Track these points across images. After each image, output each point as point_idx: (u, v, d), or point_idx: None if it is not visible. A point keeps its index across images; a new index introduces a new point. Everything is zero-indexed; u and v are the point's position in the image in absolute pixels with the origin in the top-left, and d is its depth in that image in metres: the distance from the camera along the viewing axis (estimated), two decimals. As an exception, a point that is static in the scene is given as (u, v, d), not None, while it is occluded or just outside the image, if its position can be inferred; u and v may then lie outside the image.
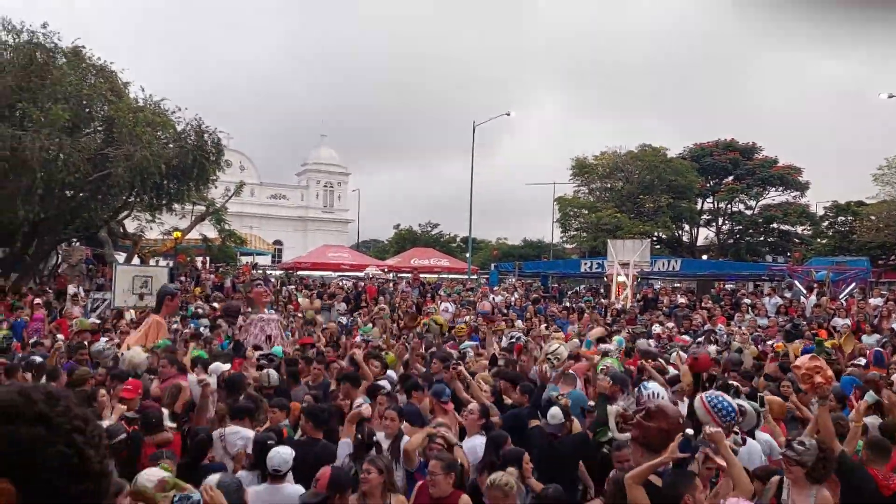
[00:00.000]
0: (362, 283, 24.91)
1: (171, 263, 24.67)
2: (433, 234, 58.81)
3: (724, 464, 4.32)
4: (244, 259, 33.39)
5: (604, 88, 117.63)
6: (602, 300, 23.55)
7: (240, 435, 5.83)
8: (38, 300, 16.15)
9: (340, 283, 26.50)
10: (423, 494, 4.88)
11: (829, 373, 5.75)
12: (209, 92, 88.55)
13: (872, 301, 18.97)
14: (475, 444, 5.99)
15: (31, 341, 11.76)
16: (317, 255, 38.50)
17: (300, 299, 21.16)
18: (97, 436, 1.42)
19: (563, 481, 5.49)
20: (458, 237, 59.20)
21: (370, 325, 14.32)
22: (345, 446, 5.69)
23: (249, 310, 12.56)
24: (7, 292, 18.44)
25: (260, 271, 27.50)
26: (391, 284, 26.37)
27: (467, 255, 39.78)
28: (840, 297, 20.45)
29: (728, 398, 5.64)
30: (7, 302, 16.72)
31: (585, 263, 31.43)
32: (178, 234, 24.84)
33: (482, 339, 12.52)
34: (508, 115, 39.23)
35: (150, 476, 3.91)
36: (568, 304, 22.04)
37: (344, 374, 7.93)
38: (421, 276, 27.90)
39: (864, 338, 13.61)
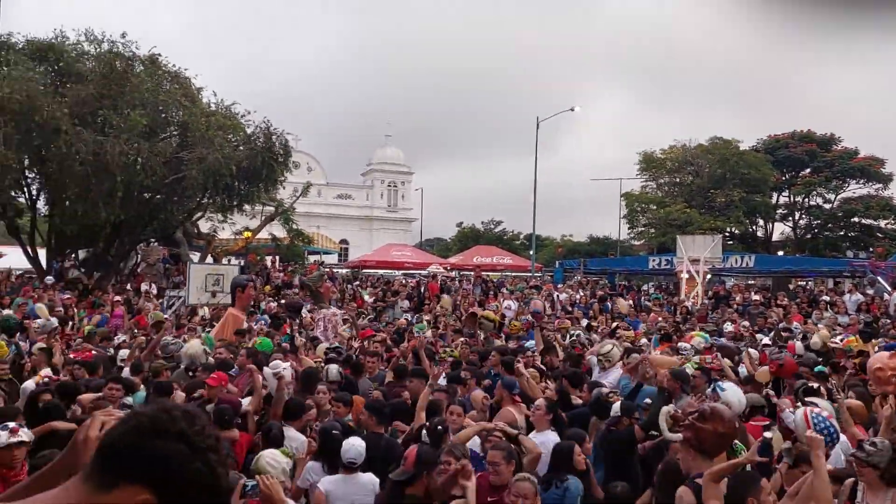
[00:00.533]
0: (425, 281, 25.07)
1: (242, 262, 25.45)
2: (496, 232, 58.63)
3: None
4: (312, 258, 34.13)
5: (670, 81, 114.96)
6: (672, 298, 22.99)
7: (290, 438, 5.80)
8: (117, 298, 16.91)
9: (403, 281, 26.76)
10: (482, 485, 4.87)
11: None
12: (276, 94, 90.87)
13: (964, 299, 17.86)
14: (547, 439, 5.94)
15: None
16: (381, 253, 38.98)
17: (365, 296, 21.48)
18: (226, 455, 1.52)
19: (620, 474, 5.60)
20: (522, 235, 58.86)
21: (423, 323, 14.39)
22: None
23: (316, 306, 12.85)
24: (91, 290, 19.39)
25: (326, 269, 28.04)
26: (455, 282, 26.44)
27: (531, 252, 39.48)
28: (927, 293, 19.32)
29: (832, 420, 5.27)
30: (90, 300, 17.58)
31: (654, 260, 30.68)
32: (249, 233, 25.61)
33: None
34: (573, 110, 38.74)
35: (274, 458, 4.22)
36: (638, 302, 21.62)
37: (413, 369, 8.00)
38: (484, 273, 27.87)
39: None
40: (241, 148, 21.97)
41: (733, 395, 6.53)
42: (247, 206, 24.11)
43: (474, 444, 5.73)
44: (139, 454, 1.39)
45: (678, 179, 44.21)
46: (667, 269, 28.35)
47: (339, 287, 23.03)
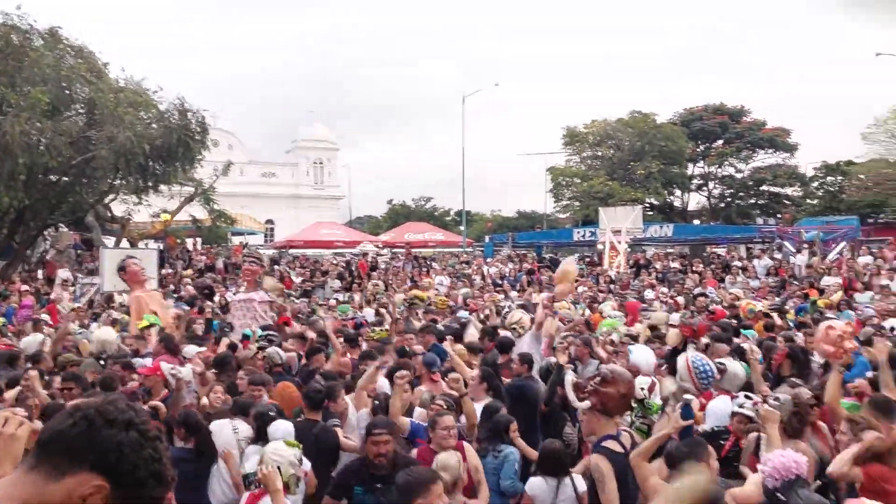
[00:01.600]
0: (356, 260, 24.84)
1: (160, 246, 24.52)
2: (427, 209, 58.65)
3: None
4: (236, 239, 33.21)
5: (594, 56, 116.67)
6: (596, 268, 23.58)
7: (244, 430, 5.58)
8: (25, 287, 16.02)
9: (334, 260, 26.44)
10: (426, 452, 4.98)
11: (855, 344, 5.82)
12: (192, 73, 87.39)
13: (862, 259, 19.04)
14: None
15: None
16: (309, 232, 38.26)
17: (293, 276, 21.11)
18: (166, 446, 1.58)
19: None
20: (452, 211, 59.07)
21: (346, 304, 14.28)
22: (363, 418, 5.87)
23: (241, 289, 12.47)
24: (-4, 280, 18.30)
25: (251, 249, 27.35)
26: (386, 259, 26.30)
27: (461, 228, 39.69)
28: (830, 256, 20.50)
29: (710, 363, 5.78)
30: (-5, 290, 16.58)
31: (578, 232, 31.45)
32: (167, 216, 24.64)
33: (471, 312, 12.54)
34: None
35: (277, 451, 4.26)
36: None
37: (364, 352, 7.86)
38: (415, 250, 27.85)
39: (857, 296, 13.67)
40: (155, 126, 21.00)
41: (641, 356, 6.86)
42: (163, 187, 23.13)
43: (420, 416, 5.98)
44: (91, 443, 1.44)
45: (600, 153, 45.23)
46: (591, 240, 29.08)
47: (263, 268, 22.50)
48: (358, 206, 76.64)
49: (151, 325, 8.79)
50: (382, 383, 6.77)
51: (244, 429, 5.48)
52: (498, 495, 5.18)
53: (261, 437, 5.10)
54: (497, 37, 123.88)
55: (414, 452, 5.15)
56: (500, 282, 19.64)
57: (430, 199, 60.42)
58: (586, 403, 4.55)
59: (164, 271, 20.24)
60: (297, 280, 21.21)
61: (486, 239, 34.30)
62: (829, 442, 5.19)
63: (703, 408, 5.79)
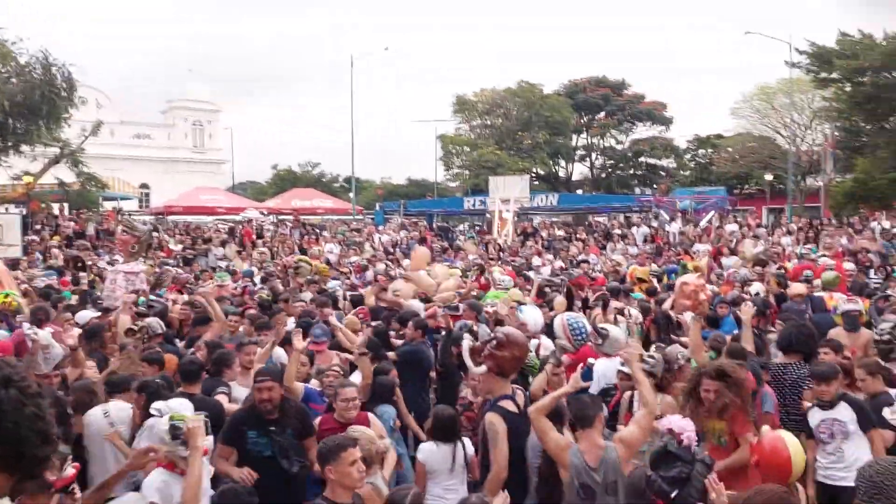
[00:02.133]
0: (241, 227, 23.97)
1: (23, 211, 22.61)
2: (314, 175, 57.37)
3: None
4: (108, 204, 31.19)
5: (484, 21, 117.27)
6: (485, 236, 24.03)
7: (119, 409, 5.23)
8: None
9: (218, 227, 25.40)
10: (329, 422, 4.97)
11: (709, 293, 6.22)
12: (55, 24, 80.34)
13: (729, 227, 20.50)
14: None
15: None
16: (188, 198, 36.45)
17: (171, 244, 20.11)
18: (48, 404, 1.52)
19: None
20: (341, 177, 58.15)
21: (224, 272, 13.83)
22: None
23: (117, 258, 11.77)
24: None
25: (125, 216, 25.80)
26: (271, 227, 25.57)
27: (351, 195, 39.22)
28: (701, 224, 21.93)
29: (585, 322, 6.18)
30: None
31: (469, 201, 31.87)
32: (30, 178, 22.71)
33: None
34: (387, 49, 38.44)
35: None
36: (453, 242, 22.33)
37: (260, 322, 7.60)
38: (303, 217, 27.24)
39: (724, 260, 14.68)
40: (14, 80, 19.22)
41: (530, 315, 7.14)
42: (25, 148, 21.27)
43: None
44: None
45: (489, 122, 45.82)
46: (481, 209, 29.56)
47: (140, 237, 21.31)
48: (241, 171, 73.73)
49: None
50: (280, 353, 6.66)
51: (117, 410, 5.12)
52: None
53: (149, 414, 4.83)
54: (389, 1, 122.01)
55: (318, 421, 5.09)
56: (392, 250, 19.61)
57: (317, 165, 59.20)
58: (483, 368, 4.63)
59: (28, 238, 18.71)
60: (177, 248, 20.24)
61: (377, 207, 34.09)
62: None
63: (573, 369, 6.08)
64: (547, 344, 6.93)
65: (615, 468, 3.98)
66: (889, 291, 9.56)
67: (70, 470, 3.31)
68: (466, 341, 5.94)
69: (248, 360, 6.02)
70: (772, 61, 74.43)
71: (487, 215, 26.81)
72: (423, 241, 21.22)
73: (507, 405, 4.59)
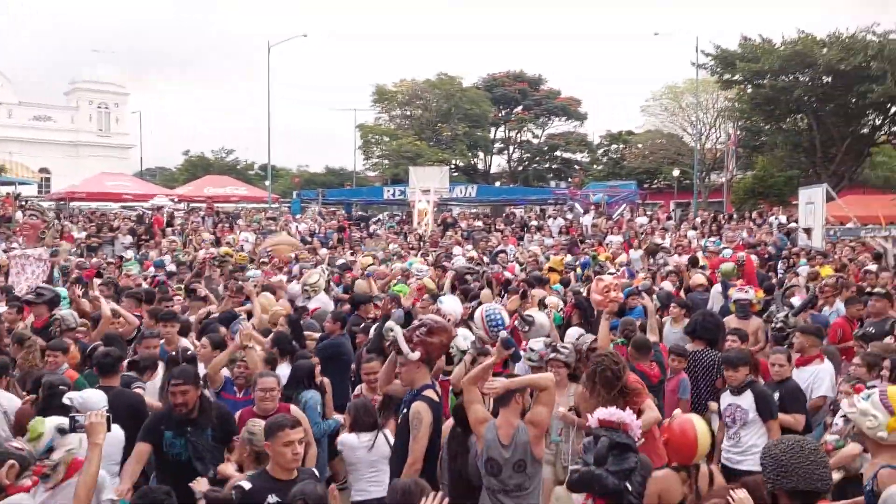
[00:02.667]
0: (149, 214, 23.05)
1: None
2: (228, 162, 55.60)
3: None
4: (4, 189, 29.34)
5: (403, 14, 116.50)
6: (405, 226, 24.07)
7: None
8: None
9: (125, 214, 24.34)
10: (248, 414, 4.91)
11: (621, 296, 6.50)
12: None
13: (639, 220, 21.37)
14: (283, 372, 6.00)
15: None
16: (93, 183, 34.60)
17: (74, 231, 19.15)
18: None
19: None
20: (257, 165, 56.67)
21: (133, 261, 13.38)
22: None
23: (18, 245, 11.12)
24: None
25: (30, 201, 24.32)
26: (183, 214, 24.71)
27: (267, 183, 38.32)
28: (613, 217, 22.73)
29: (503, 312, 6.37)
30: None
31: (388, 190, 31.79)
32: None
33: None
34: (305, 36, 37.62)
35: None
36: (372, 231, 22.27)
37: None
38: (217, 205, 26.47)
39: (631, 252, 15.28)
40: None
41: (450, 305, 7.27)
42: None
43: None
44: None
45: (409, 112, 45.75)
46: (401, 199, 29.55)
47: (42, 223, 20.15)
48: (150, 156, 70.64)
49: None
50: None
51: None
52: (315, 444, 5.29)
53: (50, 410, 4.60)
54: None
55: (238, 414, 5.02)
56: (309, 239, 19.36)
57: (231, 152, 57.38)
58: (417, 354, 4.66)
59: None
60: (80, 235, 19.30)
61: (294, 195, 33.49)
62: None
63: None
64: (465, 334, 7.01)
65: (524, 448, 4.08)
66: (794, 282, 10.26)
67: (26, 481, 3.25)
68: (399, 329, 5.99)
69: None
70: (680, 62, 77.78)
71: (408, 205, 26.84)
72: (341, 229, 21.07)
73: (431, 394, 4.59)
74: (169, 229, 20.54)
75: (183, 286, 9.66)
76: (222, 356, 5.59)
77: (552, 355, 5.50)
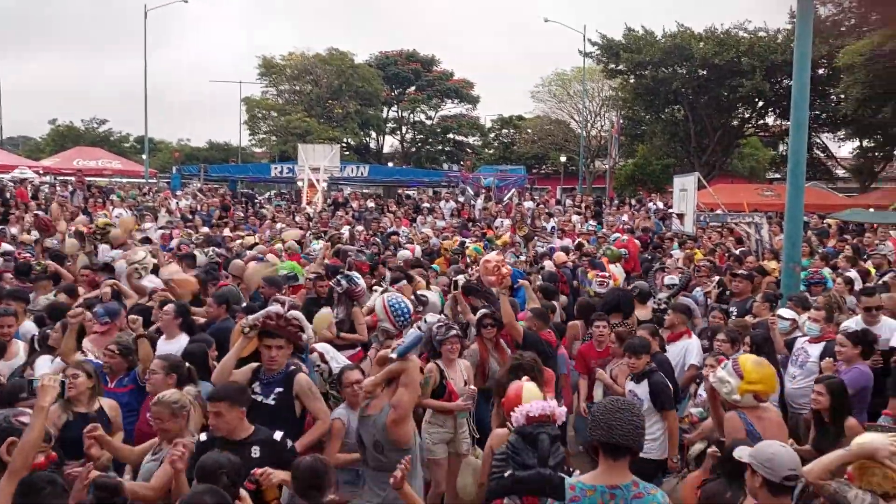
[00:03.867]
0: (11, 187, 21.17)
1: None
2: (100, 133, 52.06)
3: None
4: None
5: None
6: (293, 205, 23.44)
7: None
8: None
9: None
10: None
11: (509, 268, 6.59)
12: None
13: (527, 204, 21.86)
14: (180, 345, 5.72)
15: None
16: (-56, 152, 31.55)
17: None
18: None
19: None
20: (132, 137, 53.45)
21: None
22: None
23: None
24: None
25: None
26: (51, 189, 22.88)
27: (144, 156, 36.22)
28: (503, 200, 23.16)
29: (406, 302, 6.19)
30: None
31: (276, 168, 30.90)
32: None
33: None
34: (186, 1, 35.57)
35: None
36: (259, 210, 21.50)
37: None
38: (88, 178, 24.70)
39: (517, 235, 15.60)
40: None
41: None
42: None
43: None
44: None
45: (298, 88, 44.54)
46: (289, 176, 28.77)
47: None
48: (12, 125, 65.22)
49: None
50: None
51: None
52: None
53: None
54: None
55: None
56: (190, 217, 18.42)
57: (104, 122, 53.72)
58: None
59: None
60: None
61: (174, 170, 31.89)
62: (506, 356, 5.90)
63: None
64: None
65: (380, 429, 4.09)
66: (668, 263, 10.82)
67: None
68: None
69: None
70: (570, 50, 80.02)
71: (298, 183, 26.15)
72: (225, 208, 20.21)
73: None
74: (33, 203, 18.94)
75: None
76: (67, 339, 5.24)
77: (449, 334, 5.46)
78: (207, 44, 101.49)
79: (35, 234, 12.18)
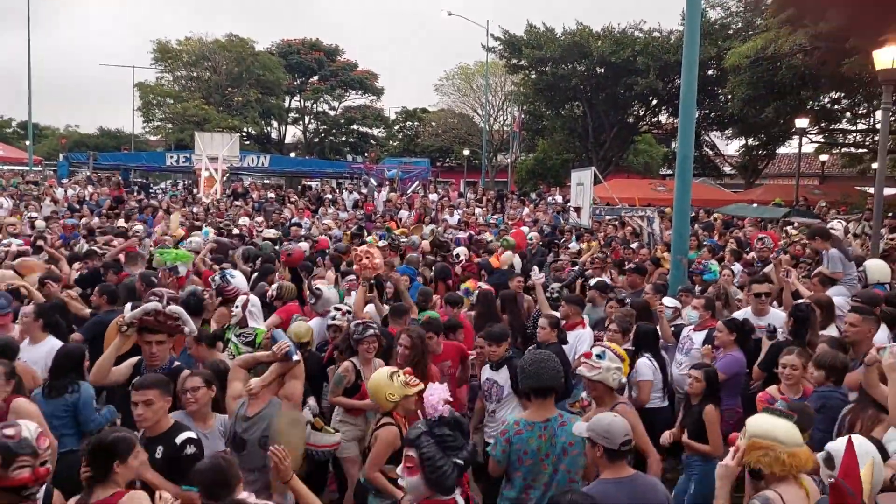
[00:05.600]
0: None
1: None
2: (-23, 116, 48.40)
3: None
4: None
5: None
6: (191, 195, 22.61)
7: None
8: None
9: None
10: None
11: (378, 259, 6.73)
12: None
13: (431, 196, 22.03)
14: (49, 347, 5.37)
15: None
16: None
17: None
18: None
19: None
20: (15, 122, 49.92)
21: None
22: None
23: None
24: None
25: None
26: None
27: (27, 143, 33.91)
28: (407, 192, 23.22)
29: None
30: None
31: (171, 157, 29.68)
32: None
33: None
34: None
35: None
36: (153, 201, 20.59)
37: None
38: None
39: (425, 227, 15.72)
40: None
41: (239, 281, 6.97)
42: None
43: None
44: None
45: (196, 74, 42.87)
46: (185, 166, 27.71)
47: None
48: None
49: None
50: None
51: None
52: (76, 438, 4.74)
53: None
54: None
55: None
56: (77, 207, 17.45)
57: (-17, 106, 49.98)
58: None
59: None
60: None
61: (61, 157, 30.03)
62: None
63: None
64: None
65: (271, 423, 3.99)
66: (562, 257, 11.20)
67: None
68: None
69: None
70: (472, 44, 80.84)
71: (193, 173, 25.22)
72: (118, 199, 19.25)
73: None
74: None
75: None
76: None
77: (366, 333, 5.31)
78: (98, 25, 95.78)
79: None
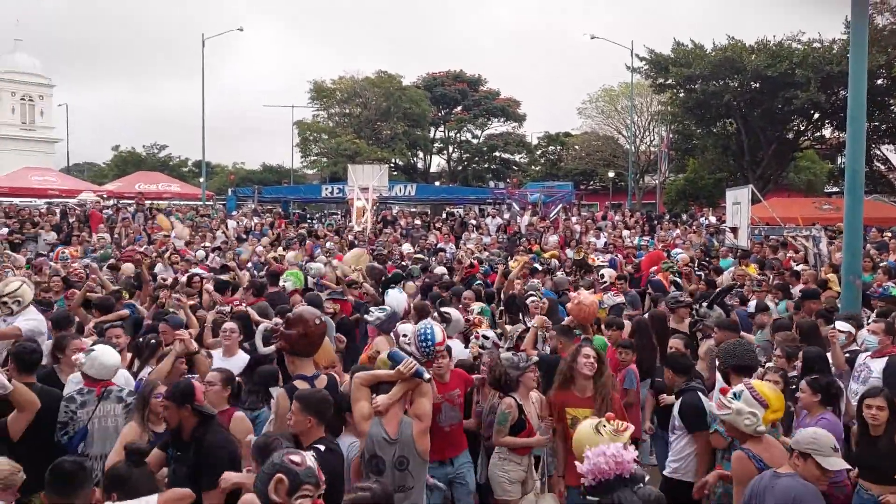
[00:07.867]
0: (76, 211, 22.11)
1: None
2: (160, 157, 54.07)
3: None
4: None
5: (330, 11, 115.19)
6: (344, 223, 23.84)
7: None
8: None
9: (52, 210, 23.26)
10: None
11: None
12: None
13: (574, 220, 21.72)
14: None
15: None
16: (16, 178, 33.00)
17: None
18: None
19: None
20: (190, 161, 55.25)
21: (66, 253, 12.68)
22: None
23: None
24: None
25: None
26: (115, 210, 23.80)
27: (201, 179, 37.37)
28: (549, 216, 23.06)
29: (436, 328, 5.46)
30: None
31: (326, 188, 31.49)
32: None
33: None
34: (241, 30, 36.89)
35: None
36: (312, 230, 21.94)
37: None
38: (149, 202, 25.61)
39: (568, 251, 15.52)
40: None
41: (395, 299, 7.18)
42: None
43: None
44: None
45: (348, 110, 45.34)
46: (339, 196, 29.25)
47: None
48: (78, 151, 68.17)
49: None
50: None
51: None
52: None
53: None
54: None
55: None
56: (244, 236, 18.96)
57: (164, 148, 55.76)
58: (271, 348, 4.67)
59: None
60: (3, 231, 18.39)
61: (229, 192, 32.78)
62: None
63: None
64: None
65: (408, 443, 3.99)
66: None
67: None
68: (261, 326, 6.16)
69: None
70: (616, 65, 79.50)
71: (346, 203, 26.58)
72: (272, 225, 20.77)
73: (300, 384, 4.34)
74: (103, 226, 19.74)
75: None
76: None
77: (528, 364, 5.18)
78: (261, 70, 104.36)
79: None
